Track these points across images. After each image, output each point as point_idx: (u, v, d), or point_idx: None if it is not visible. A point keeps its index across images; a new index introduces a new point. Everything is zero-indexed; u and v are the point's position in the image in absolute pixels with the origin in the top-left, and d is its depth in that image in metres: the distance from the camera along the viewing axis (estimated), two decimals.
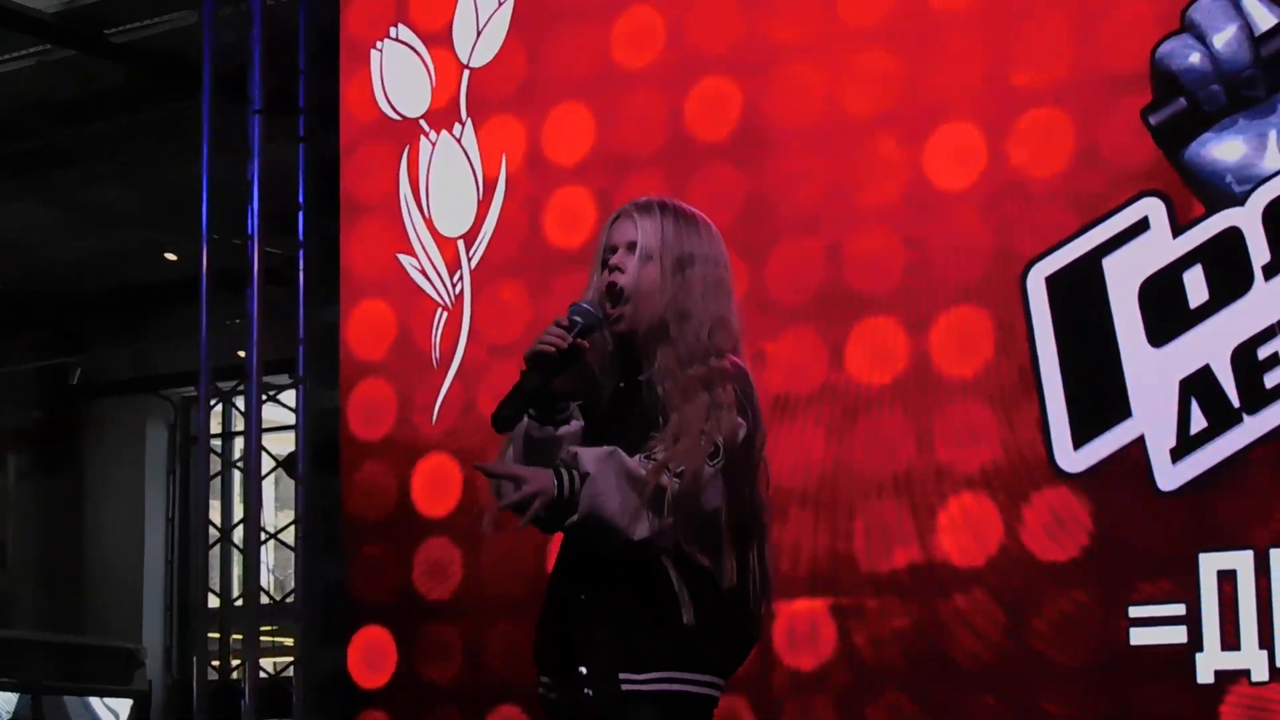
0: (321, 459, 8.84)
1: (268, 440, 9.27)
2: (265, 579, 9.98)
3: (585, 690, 3.55)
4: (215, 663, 9.53)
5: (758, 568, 3.74)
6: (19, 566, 15.41)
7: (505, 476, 3.50)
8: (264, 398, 9.13)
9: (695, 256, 3.67)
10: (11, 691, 11.45)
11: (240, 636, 9.25)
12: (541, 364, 3.42)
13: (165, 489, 15.48)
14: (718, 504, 3.59)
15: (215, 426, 10.40)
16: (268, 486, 9.83)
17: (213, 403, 9.42)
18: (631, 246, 3.63)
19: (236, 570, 9.84)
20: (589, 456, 3.46)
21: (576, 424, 3.57)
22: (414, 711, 7.88)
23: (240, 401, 9.59)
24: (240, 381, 9.24)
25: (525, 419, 3.50)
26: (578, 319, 3.50)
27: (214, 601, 9.68)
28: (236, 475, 10.16)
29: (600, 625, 3.58)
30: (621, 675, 3.54)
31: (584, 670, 3.57)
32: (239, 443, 10.91)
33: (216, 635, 9.58)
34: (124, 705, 12.35)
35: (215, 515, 9.93)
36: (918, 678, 6.73)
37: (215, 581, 9.68)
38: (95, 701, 12.23)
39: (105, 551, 15.22)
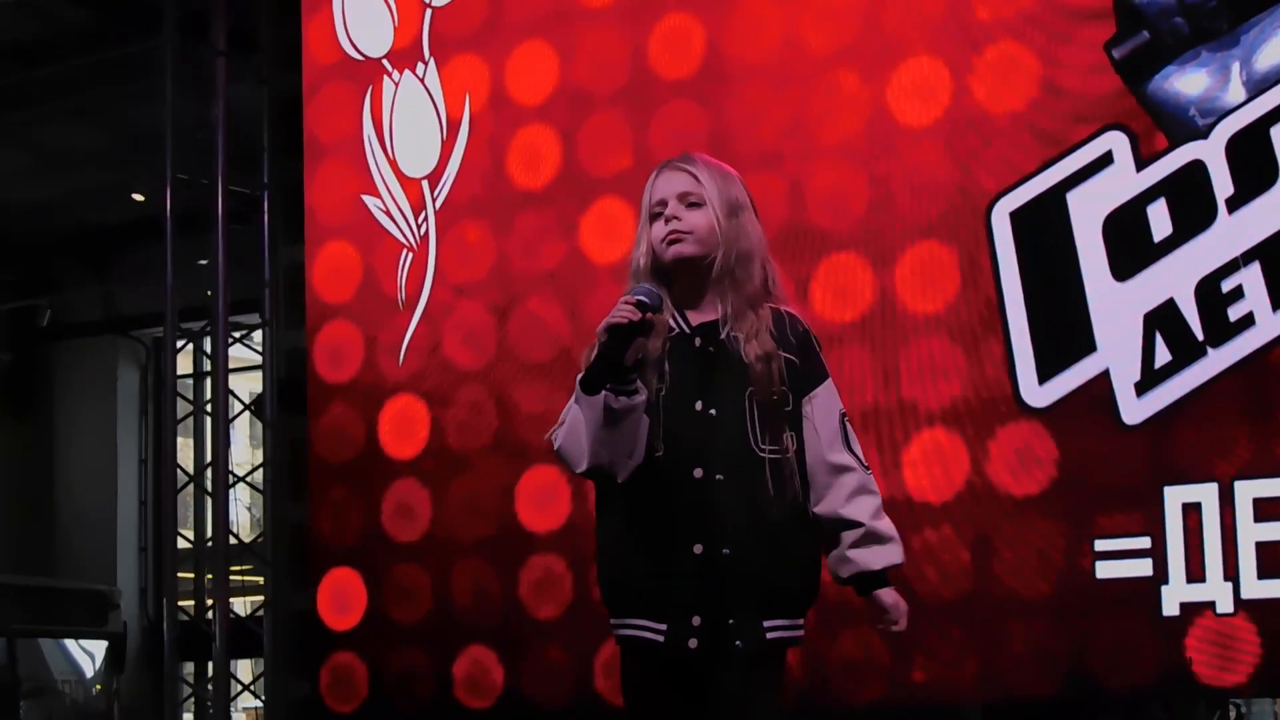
0: (290, 401, 8.82)
1: (243, 380, 9.24)
2: (244, 519, 9.99)
3: (736, 643, 3.66)
4: (190, 603, 9.55)
5: None
6: None
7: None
8: (231, 339, 9.10)
9: (741, 204, 3.86)
10: None
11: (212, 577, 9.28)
12: (615, 333, 3.60)
13: (138, 430, 15.40)
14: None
15: (186, 367, 10.38)
16: (244, 426, 9.79)
17: (182, 344, 9.39)
18: (683, 197, 3.79)
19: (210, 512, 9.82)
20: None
21: (643, 395, 3.67)
22: (383, 653, 7.90)
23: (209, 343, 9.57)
24: (209, 322, 9.22)
25: (604, 392, 3.63)
26: (643, 298, 3.65)
27: (184, 544, 9.68)
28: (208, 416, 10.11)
29: (748, 578, 3.68)
30: (766, 624, 3.70)
31: (732, 621, 3.67)
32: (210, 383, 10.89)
33: (191, 576, 9.59)
34: (99, 647, 12.35)
35: (189, 458, 9.94)
36: None
37: (190, 523, 9.68)
38: (70, 644, 12.24)
39: (78, 494, 15.13)
